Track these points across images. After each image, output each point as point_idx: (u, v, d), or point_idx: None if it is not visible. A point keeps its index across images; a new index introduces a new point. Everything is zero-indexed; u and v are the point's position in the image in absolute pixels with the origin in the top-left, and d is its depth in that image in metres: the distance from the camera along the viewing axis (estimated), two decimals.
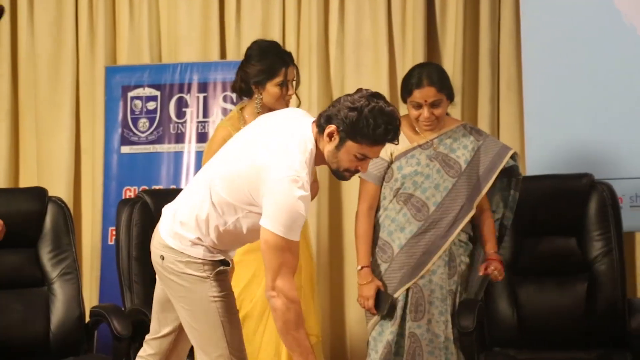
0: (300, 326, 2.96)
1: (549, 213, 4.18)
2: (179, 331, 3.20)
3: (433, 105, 3.86)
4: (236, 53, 5.17)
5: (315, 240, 4.92)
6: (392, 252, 3.89)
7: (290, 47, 5.12)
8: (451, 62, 4.91)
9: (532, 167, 4.63)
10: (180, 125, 5.07)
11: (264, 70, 3.87)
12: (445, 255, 3.88)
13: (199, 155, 4.98)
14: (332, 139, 2.99)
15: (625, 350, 3.87)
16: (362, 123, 2.94)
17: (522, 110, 4.76)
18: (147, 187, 4.94)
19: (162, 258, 3.09)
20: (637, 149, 4.48)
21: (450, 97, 3.93)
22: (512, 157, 3.97)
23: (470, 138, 3.96)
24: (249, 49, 4.01)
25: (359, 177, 3.91)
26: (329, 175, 5.05)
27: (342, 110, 2.98)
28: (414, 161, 3.90)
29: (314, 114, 4.97)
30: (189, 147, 5.03)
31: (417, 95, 3.86)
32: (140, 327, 3.94)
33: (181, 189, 4.79)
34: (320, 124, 3.02)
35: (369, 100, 2.96)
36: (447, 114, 4.01)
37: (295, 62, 5.07)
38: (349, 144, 2.98)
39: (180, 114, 5.07)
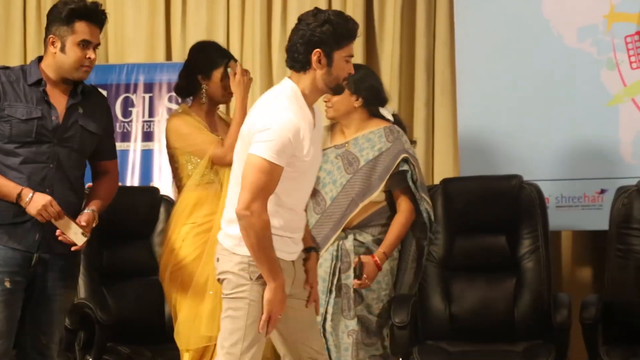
0: (271, 245, 3.00)
1: (480, 212, 4.23)
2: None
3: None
4: (181, 55, 5.15)
5: None
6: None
7: (234, 50, 5.13)
8: (388, 67, 4.96)
9: (464, 168, 4.69)
10: (126, 124, 5.05)
11: (208, 60, 3.87)
12: (334, 250, 3.92)
13: (145, 154, 4.98)
14: (321, 62, 3.05)
15: (550, 343, 3.94)
16: (338, 28, 3.03)
17: (455, 114, 4.82)
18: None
19: (217, 260, 3.13)
20: (564, 152, 4.54)
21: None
22: (405, 160, 3.99)
23: (383, 140, 4.00)
24: (191, 49, 4.01)
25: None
26: None
27: (311, 35, 3.03)
28: (325, 159, 3.95)
29: None
30: (135, 146, 5.01)
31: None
32: (84, 320, 3.95)
33: (126, 186, 4.85)
34: (296, 64, 3.08)
35: (322, 13, 3.08)
36: (378, 117, 4.06)
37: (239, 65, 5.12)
38: (337, 54, 3.06)
39: (127, 113, 5.05)
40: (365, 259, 3.88)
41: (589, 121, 4.51)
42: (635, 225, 4.05)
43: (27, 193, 3.29)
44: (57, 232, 3.32)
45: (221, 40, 5.10)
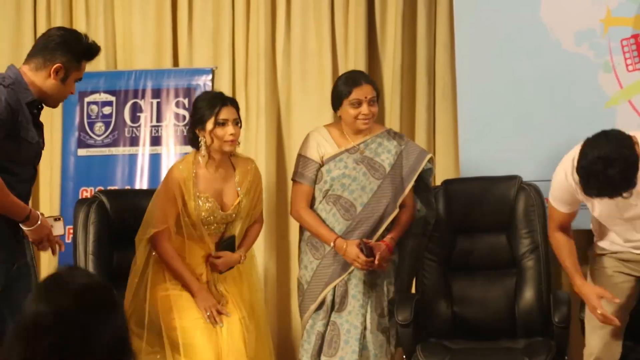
0: None
1: (481, 212, 4.24)
2: None
3: (371, 102, 3.94)
4: (188, 61, 5.17)
5: (262, 239, 4.95)
6: (324, 250, 3.95)
7: (239, 56, 5.14)
8: (390, 71, 4.96)
9: (465, 170, 4.69)
10: (134, 129, 5.05)
11: (199, 113, 3.85)
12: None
13: (153, 158, 4.98)
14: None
15: (550, 340, 3.93)
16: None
17: (456, 117, 4.81)
18: (102, 188, 4.92)
19: None
20: (562, 153, 4.52)
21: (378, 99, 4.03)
22: (430, 160, 4.08)
23: (394, 143, 4.04)
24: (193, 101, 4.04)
25: (295, 180, 3.96)
26: (276, 179, 5.10)
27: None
28: (341, 165, 3.97)
29: (262, 121, 5.08)
30: (143, 150, 5.01)
31: (357, 92, 3.93)
32: None
33: (136, 189, 4.87)
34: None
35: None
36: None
37: (244, 70, 5.14)
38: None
39: (135, 118, 5.05)
40: (378, 245, 3.91)
41: (587, 123, 4.46)
42: None
43: (36, 216, 3.26)
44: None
45: (226, 47, 5.11)
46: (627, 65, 4.47)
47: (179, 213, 3.81)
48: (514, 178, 4.26)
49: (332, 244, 3.90)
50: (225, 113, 3.82)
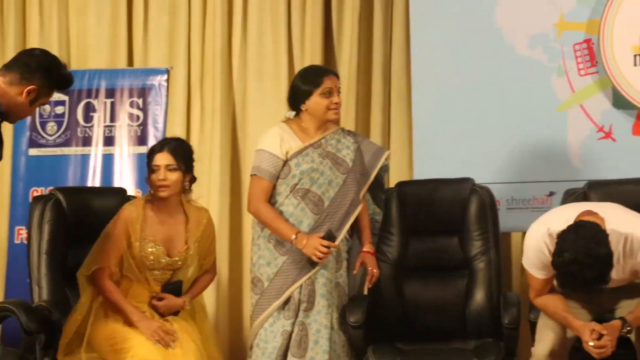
0: None
1: (434, 214, 4.23)
2: None
3: (339, 92, 3.95)
4: (143, 61, 5.15)
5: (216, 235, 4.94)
6: (290, 246, 3.89)
7: (195, 56, 5.13)
8: (346, 73, 4.96)
9: (419, 171, 4.70)
10: (87, 129, 5.01)
11: (148, 159, 3.87)
12: (334, 250, 3.92)
13: (106, 158, 4.95)
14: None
15: (500, 341, 3.94)
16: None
17: (411, 119, 4.82)
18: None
19: None
20: (515, 156, 4.58)
21: None
22: (387, 158, 4.11)
23: (350, 139, 4.06)
24: None
25: (254, 175, 3.92)
26: (230, 179, 5.08)
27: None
28: (308, 159, 3.94)
29: (217, 122, 5.06)
30: (96, 150, 4.98)
31: (328, 82, 3.91)
32: (45, 323, 3.88)
33: (92, 187, 4.82)
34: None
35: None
36: None
37: (200, 70, 5.13)
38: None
39: (88, 118, 5.01)
40: (365, 257, 3.99)
41: (540, 126, 4.54)
42: None
43: None
44: None
45: (182, 47, 5.10)
46: (579, 70, 4.51)
47: (122, 254, 3.78)
48: (466, 180, 4.27)
49: (293, 237, 3.85)
50: (158, 159, 3.83)
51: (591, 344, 3.38)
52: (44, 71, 3.26)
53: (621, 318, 3.44)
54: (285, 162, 3.93)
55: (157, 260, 3.79)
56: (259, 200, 3.92)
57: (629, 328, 3.42)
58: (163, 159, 3.82)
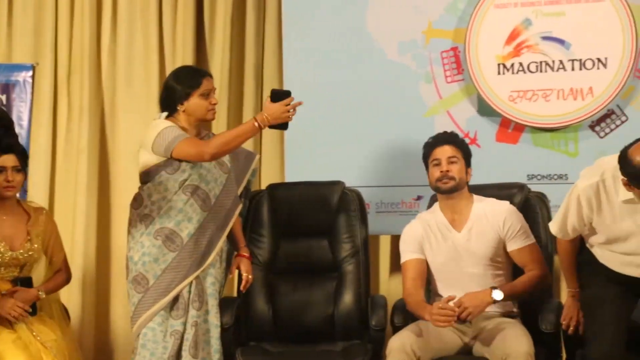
0: None
1: (304, 217, 4.26)
2: None
3: (214, 92, 3.92)
4: (6, 56, 4.99)
5: (82, 237, 4.84)
6: (181, 242, 3.82)
7: (62, 53, 4.99)
8: (218, 75, 4.92)
9: (290, 174, 4.72)
10: None
11: None
12: (219, 249, 3.90)
13: None
14: None
15: (367, 343, 3.98)
16: None
17: None
18: None
19: None
20: (384, 160, 4.63)
21: None
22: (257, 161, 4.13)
23: None
24: None
25: (178, 140, 3.77)
26: (98, 177, 4.98)
27: None
28: None
29: (85, 120, 4.94)
30: None
31: (207, 84, 3.87)
32: None
33: None
34: None
35: None
36: None
37: (67, 67, 5.00)
38: None
39: None
40: (241, 262, 4.00)
41: (408, 131, 4.61)
42: None
43: None
44: None
45: (48, 43, 4.96)
46: (446, 77, 4.61)
47: None
48: (337, 183, 4.31)
49: (255, 121, 3.72)
50: (5, 161, 3.83)
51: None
52: None
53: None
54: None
55: (1, 256, 3.78)
56: (204, 143, 3.78)
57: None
58: (10, 160, 3.85)
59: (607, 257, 3.53)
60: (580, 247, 3.67)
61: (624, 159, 3.24)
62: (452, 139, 3.94)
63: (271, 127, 3.78)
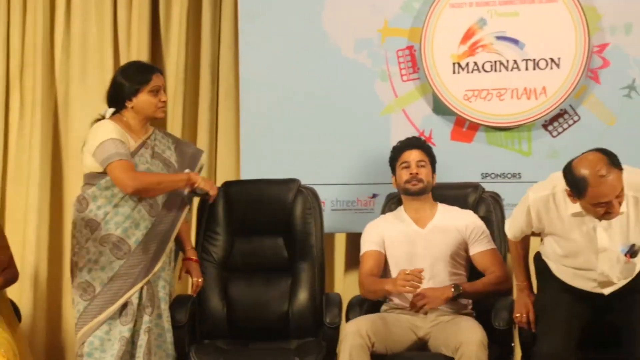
0: None
1: (260, 214, 4.24)
2: None
3: (164, 90, 3.88)
4: None
5: (34, 234, 4.78)
6: (128, 249, 3.75)
7: (14, 48, 4.92)
8: (174, 70, 4.89)
9: (246, 171, 4.70)
10: None
11: None
12: (168, 250, 3.86)
13: None
14: None
15: (322, 340, 3.98)
16: None
17: (238, 118, 4.80)
18: None
19: None
20: (340, 158, 4.64)
21: None
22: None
23: (169, 140, 3.99)
24: None
25: (113, 161, 3.72)
26: (50, 175, 4.92)
27: None
28: (143, 159, 3.83)
29: (38, 116, 4.88)
30: None
31: (157, 80, 3.82)
32: None
33: None
34: None
35: None
36: None
37: (20, 62, 4.93)
38: None
39: None
40: (190, 266, 3.98)
41: (364, 129, 4.63)
42: None
43: None
44: None
45: (0, 37, 4.88)
46: (402, 75, 4.63)
47: None
48: (292, 181, 4.30)
49: (186, 171, 3.84)
50: None
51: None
52: None
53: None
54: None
55: None
56: (131, 174, 3.71)
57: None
58: None
59: (561, 270, 3.61)
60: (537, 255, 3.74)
61: (569, 169, 3.31)
62: (421, 144, 4.05)
63: (194, 192, 3.88)
